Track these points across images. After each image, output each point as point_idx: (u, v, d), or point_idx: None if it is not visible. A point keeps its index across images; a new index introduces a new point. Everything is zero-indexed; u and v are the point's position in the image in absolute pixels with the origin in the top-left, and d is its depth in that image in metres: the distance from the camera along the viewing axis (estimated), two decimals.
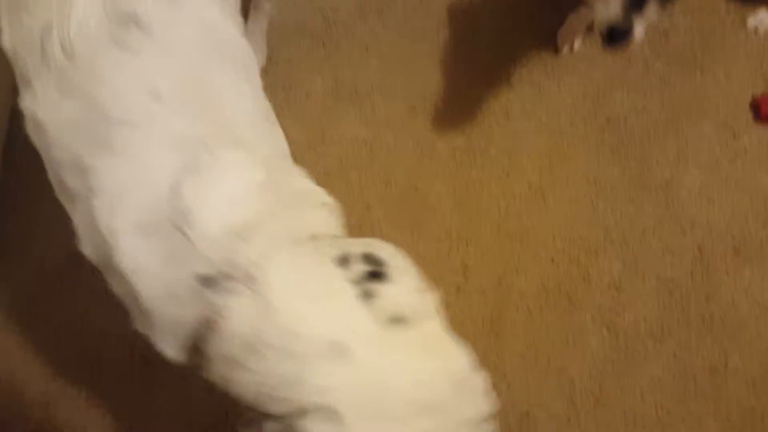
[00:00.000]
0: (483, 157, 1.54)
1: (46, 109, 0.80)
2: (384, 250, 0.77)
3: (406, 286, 0.74)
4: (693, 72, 1.56)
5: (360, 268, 0.73)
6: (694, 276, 1.41)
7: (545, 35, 1.59)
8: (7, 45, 0.85)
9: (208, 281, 0.72)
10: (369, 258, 0.74)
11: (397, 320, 0.71)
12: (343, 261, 0.74)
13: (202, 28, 0.87)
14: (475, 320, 1.39)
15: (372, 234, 0.97)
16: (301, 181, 0.86)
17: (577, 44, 1.59)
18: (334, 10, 1.61)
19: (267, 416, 0.71)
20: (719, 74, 1.55)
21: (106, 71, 0.79)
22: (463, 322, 1.35)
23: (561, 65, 1.60)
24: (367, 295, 0.72)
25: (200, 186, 0.75)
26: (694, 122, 1.52)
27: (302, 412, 0.68)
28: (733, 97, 1.53)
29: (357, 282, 0.72)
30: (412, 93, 1.58)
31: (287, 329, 0.69)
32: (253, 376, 0.70)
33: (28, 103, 0.82)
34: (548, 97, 1.58)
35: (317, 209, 0.82)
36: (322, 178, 0.88)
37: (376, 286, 0.72)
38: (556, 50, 1.60)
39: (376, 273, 0.73)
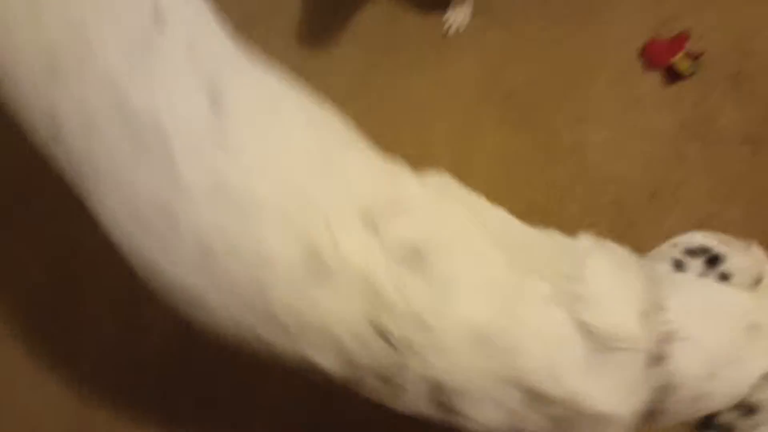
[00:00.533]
0: (395, 154, 1.54)
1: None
2: (694, 238, 0.84)
3: (740, 253, 0.82)
4: (582, 29, 1.56)
5: (696, 263, 0.81)
6: (616, 230, 1.43)
7: (432, 21, 1.59)
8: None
9: (651, 362, 0.76)
10: (693, 252, 0.82)
11: (756, 282, 0.80)
12: (679, 265, 0.82)
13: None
14: None
15: None
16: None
17: (463, 23, 1.58)
18: None
19: (718, 412, 0.80)
20: (606, 26, 1.55)
21: (438, 329, 0.75)
22: None
23: (453, 47, 1.59)
24: (723, 278, 0.80)
25: (591, 309, 0.75)
26: (589, 80, 1.53)
27: (756, 388, 0.77)
28: (624, 47, 1.54)
29: (704, 274, 0.80)
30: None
31: (723, 348, 0.76)
32: (718, 395, 0.78)
33: None
34: (448, 80, 1.58)
35: (601, 248, 0.85)
36: None
37: (723, 267, 0.80)
38: (445, 33, 1.59)
39: (712, 259, 0.81)
